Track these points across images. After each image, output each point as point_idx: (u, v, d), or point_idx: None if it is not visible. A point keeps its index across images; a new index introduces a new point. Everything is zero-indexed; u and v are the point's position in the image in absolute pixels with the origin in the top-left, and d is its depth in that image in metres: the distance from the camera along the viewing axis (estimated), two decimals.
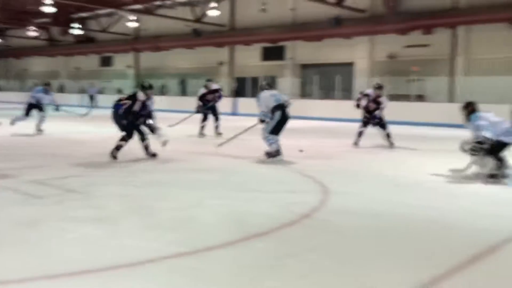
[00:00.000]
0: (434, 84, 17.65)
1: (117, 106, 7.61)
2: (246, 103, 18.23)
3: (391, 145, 9.97)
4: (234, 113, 22.19)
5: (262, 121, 8.00)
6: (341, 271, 3.17)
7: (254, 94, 14.87)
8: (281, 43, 24.26)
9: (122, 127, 7.66)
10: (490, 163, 6.50)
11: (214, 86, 12.38)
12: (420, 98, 18.23)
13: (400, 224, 4.33)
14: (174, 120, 13.07)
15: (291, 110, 8.10)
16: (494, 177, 6.39)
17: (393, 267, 3.25)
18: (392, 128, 10.18)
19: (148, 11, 26.47)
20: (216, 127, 11.96)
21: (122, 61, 31.52)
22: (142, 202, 4.92)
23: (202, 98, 12.05)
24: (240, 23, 25.83)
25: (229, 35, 25.82)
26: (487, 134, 6.44)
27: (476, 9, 18.01)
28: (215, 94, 12.13)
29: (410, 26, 19.46)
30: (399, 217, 4.55)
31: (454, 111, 9.75)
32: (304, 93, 23.64)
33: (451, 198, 5.43)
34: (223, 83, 23.24)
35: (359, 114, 10.30)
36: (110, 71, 32.32)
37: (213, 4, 23.13)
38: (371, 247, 3.67)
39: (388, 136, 10.07)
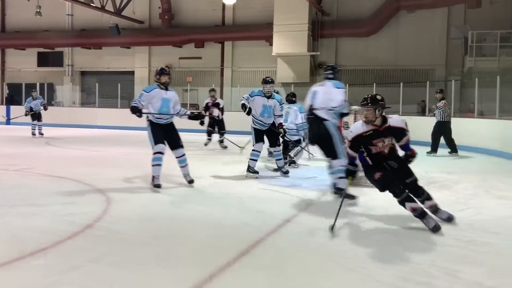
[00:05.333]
0: (207, 94, 18.45)
1: None
2: (21, 111, 15.52)
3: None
4: (7, 122, 19.21)
5: None
6: (124, 278, 3.09)
7: None
8: (58, 49, 22.57)
9: None
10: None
11: None
12: (194, 107, 18.93)
13: (176, 227, 4.38)
14: None
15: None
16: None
17: (170, 269, 3.27)
18: None
19: None
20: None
21: None
22: None
23: None
24: (12, 25, 23.19)
25: None
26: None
27: (240, 27, 19.64)
28: None
29: (184, 39, 20.20)
30: (175, 220, 4.61)
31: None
32: (85, 101, 22.37)
33: (222, 198, 5.70)
34: None
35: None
36: None
37: None
38: (150, 251, 3.64)
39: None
